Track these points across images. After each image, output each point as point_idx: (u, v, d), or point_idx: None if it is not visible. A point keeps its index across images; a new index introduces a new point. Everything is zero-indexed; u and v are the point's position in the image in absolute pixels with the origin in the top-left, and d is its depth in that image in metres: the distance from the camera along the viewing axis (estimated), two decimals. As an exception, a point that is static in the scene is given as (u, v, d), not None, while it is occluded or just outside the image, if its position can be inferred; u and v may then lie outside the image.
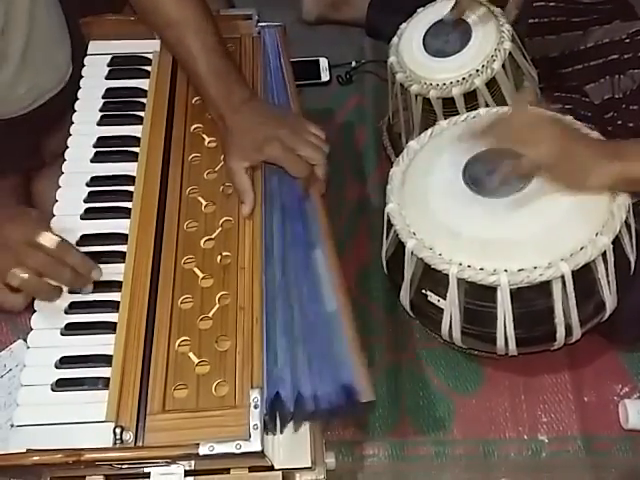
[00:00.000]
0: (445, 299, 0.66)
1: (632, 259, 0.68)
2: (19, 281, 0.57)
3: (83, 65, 0.78)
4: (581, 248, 0.61)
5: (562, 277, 0.62)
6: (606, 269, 0.64)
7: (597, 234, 0.62)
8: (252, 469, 0.58)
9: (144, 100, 0.75)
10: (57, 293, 0.60)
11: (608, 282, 0.65)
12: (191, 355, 0.59)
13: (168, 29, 0.71)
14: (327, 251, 0.65)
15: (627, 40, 0.84)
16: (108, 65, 0.78)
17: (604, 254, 0.63)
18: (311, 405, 0.56)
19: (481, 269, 0.62)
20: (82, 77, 0.77)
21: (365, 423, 0.77)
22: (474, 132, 0.65)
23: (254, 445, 0.53)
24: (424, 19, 0.83)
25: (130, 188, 0.69)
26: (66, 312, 0.62)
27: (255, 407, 0.55)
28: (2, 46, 0.72)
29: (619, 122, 0.82)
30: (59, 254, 0.59)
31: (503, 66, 0.78)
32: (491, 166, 0.66)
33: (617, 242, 0.64)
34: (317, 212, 0.68)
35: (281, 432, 0.61)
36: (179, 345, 0.59)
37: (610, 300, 0.67)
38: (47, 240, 0.58)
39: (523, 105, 0.64)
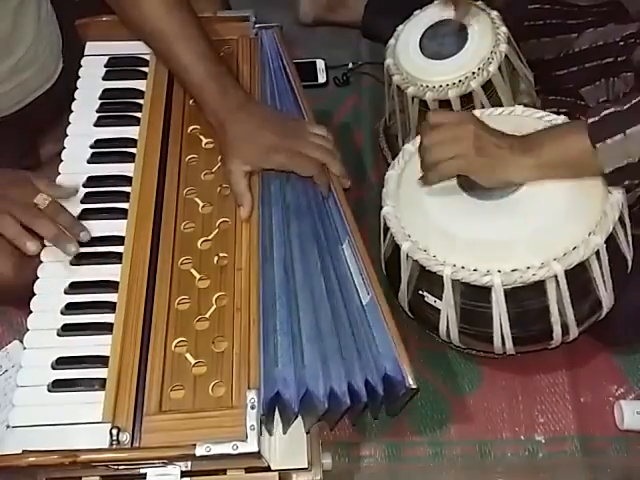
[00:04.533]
0: (441, 300, 0.67)
1: (629, 257, 0.69)
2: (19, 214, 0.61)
3: (77, 65, 0.78)
4: (574, 248, 0.62)
5: (555, 277, 0.62)
6: (601, 268, 0.64)
7: (590, 234, 0.62)
8: (249, 470, 0.58)
9: (141, 101, 0.76)
10: (33, 242, 0.61)
11: (604, 281, 0.66)
12: (188, 356, 0.59)
13: (156, 41, 0.71)
14: (355, 244, 0.65)
15: (621, 43, 0.85)
16: (105, 66, 0.79)
17: (598, 253, 0.63)
18: (323, 403, 0.56)
19: (475, 270, 0.63)
20: (78, 78, 0.78)
21: (363, 423, 0.77)
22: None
23: (251, 446, 0.53)
24: (421, 21, 0.83)
25: (127, 189, 0.69)
26: (62, 313, 0.62)
27: (252, 408, 0.55)
28: (9, 47, 0.73)
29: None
30: (49, 212, 0.62)
31: (499, 68, 0.78)
32: None
33: (612, 241, 0.64)
34: (340, 208, 0.68)
35: (284, 432, 0.61)
36: (176, 346, 0.59)
37: (606, 298, 0.68)
38: (40, 200, 0.62)
39: (425, 127, 0.66)
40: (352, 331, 0.61)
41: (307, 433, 0.62)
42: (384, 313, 0.61)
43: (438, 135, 0.64)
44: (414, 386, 0.58)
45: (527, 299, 0.65)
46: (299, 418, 0.61)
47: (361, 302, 0.63)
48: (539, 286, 0.63)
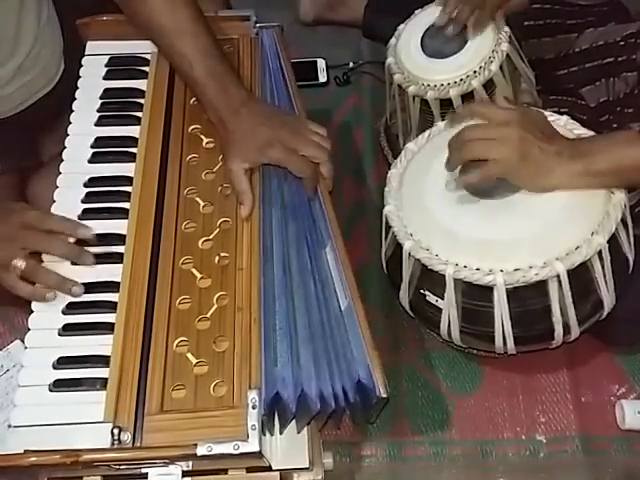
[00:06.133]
0: (443, 299, 0.67)
1: (630, 257, 0.69)
2: (19, 270, 0.60)
3: (78, 65, 0.78)
4: (576, 248, 0.62)
5: (558, 276, 0.62)
6: (603, 268, 0.64)
7: (593, 233, 0.62)
8: (250, 470, 0.58)
9: (142, 101, 0.75)
10: (55, 277, 0.62)
11: (605, 281, 0.66)
12: (189, 356, 0.59)
13: (162, 37, 0.71)
14: (337, 248, 0.65)
15: (621, 43, 0.85)
16: (106, 65, 0.78)
17: (600, 253, 0.63)
18: (316, 404, 0.56)
19: (477, 269, 0.63)
20: (79, 77, 0.77)
21: (365, 423, 0.77)
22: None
23: (252, 445, 0.53)
24: (422, 20, 0.83)
25: (128, 189, 0.69)
26: (64, 312, 0.62)
27: (253, 407, 0.55)
28: (11, 49, 0.73)
29: (614, 125, 0.82)
30: (48, 225, 0.62)
31: (500, 68, 0.78)
32: None
33: (614, 241, 0.64)
34: (325, 210, 0.68)
35: (280, 433, 0.61)
36: (177, 345, 0.59)
37: (608, 298, 0.68)
38: (32, 218, 0.62)
39: (466, 117, 0.65)
40: (332, 335, 0.60)
41: (299, 433, 0.62)
42: (360, 319, 0.61)
43: (482, 132, 0.62)
44: (384, 395, 0.57)
45: (529, 299, 0.65)
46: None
47: (340, 307, 0.62)
48: (541, 286, 0.63)
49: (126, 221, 0.66)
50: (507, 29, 0.79)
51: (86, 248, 0.64)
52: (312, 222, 0.68)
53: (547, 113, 0.71)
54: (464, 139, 0.63)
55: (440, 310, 0.68)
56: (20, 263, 0.60)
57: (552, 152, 0.61)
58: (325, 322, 0.61)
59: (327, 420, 0.63)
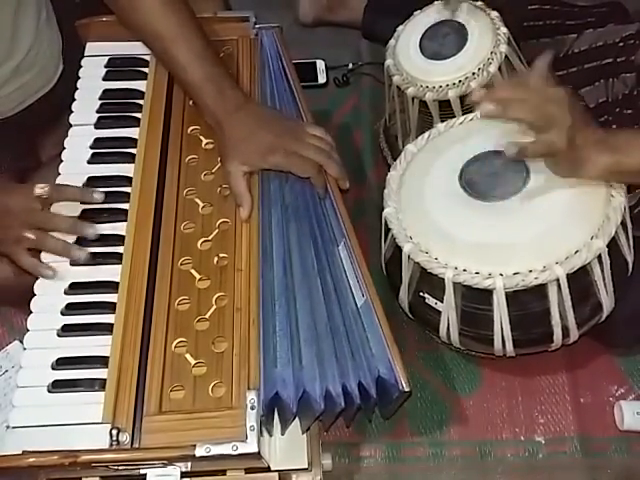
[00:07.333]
0: (442, 302, 0.67)
1: (630, 260, 0.69)
2: (30, 242, 0.63)
3: (77, 65, 0.78)
4: (576, 251, 0.61)
5: (557, 280, 0.62)
6: (602, 271, 0.64)
7: (592, 237, 0.62)
8: (248, 470, 0.58)
9: (141, 102, 0.76)
10: (63, 244, 0.63)
11: (605, 284, 0.66)
12: (188, 356, 0.59)
13: (155, 42, 0.70)
14: (351, 246, 0.65)
15: (621, 44, 0.85)
16: (105, 66, 0.78)
17: (600, 257, 0.63)
18: (319, 404, 0.56)
19: (477, 273, 0.62)
20: (78, 78, 0.77)
21: (363, 424, 0.77)
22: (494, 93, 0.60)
23: (250, 446, 0.53)
24: (421, 22, 0.83)
25: (127, 189, 0.69)
26: (63, 313, 0.62)
27: (252, 408, 0.55)
28: (9, 50, 0.73)
29: (613, 126, 0.82)
30: (56, 196, 0.64)
31: (499, 69, 0.78)
32: (487, 169, 0.66)
33: (614, 244, 0.64)
34: (337, 208, 0.68)
35: (282, 433, 0.61)
36: (176, 346, 0.59)
37: (607, 301, 0.68)
38: (39, 191, 0.63)
39: (539, 76, 0.60)
40: (346, 333, 0.61)
41: (303, 434, 0.62)
42: (378, 315, 0.61)
43: (536, 103, 0.58)
44: (407, 389, 0.57)
45: (528, 302, 0.64)
46: (297, 419, 0.61)
47: (356, 304, 0.63)
48: (541, 289, 0.63)
49: (125, 222, 0.66)
50: (506, 30, 0.79)
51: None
52: (323, 221, 0.68)
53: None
54: (532, 100, 0.58)
55: (439, 313, 0.68)
56: (30, 235, 0.62)
57: (591, 141, 0.60)
58: (341, 319, 0.61)
59: (336, 418, 0.63)
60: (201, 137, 0.73)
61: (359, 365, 0.59)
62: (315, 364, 0.58)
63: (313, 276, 0.64)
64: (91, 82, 0.77)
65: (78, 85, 0.77)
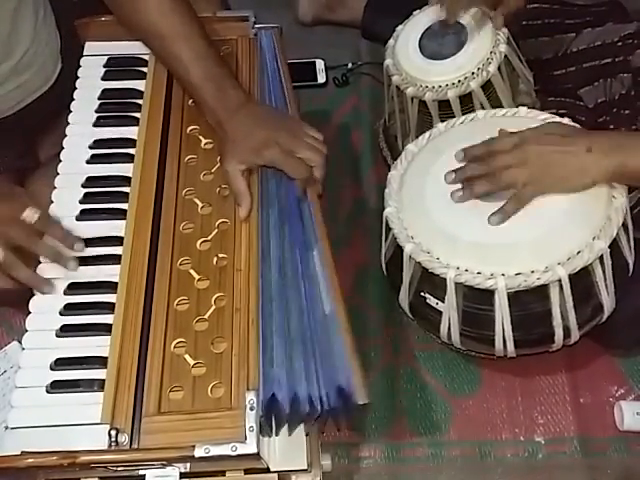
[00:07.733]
0: (444, 302, 0.67)
1: (630, 261, 0.69)
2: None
3: (76, 65, 0.78)
4: (578, 252, 0.61)
5: (559, 281, 0.62)
6: (604, 272, 0.64)
7: (594, 238, 0.62)
8: (248, 471, 0.57)
9: (140, 101, 0.75)
10: (30, 274, 0.61)
11: (606, 285, 0.66)
12: (187, 357, 0.59)
13: (156, 41, 0.70)
14: (323, 252, 0.64)
15: (619, 43, 0.85)
16: (104, 66, 0.78)
17: (601, 258, 0.63)
18: (305, 407, 0.56)
19: (478, 273, 0.62)
20: (77, 78, 0.77)
21: (362, 425, 0.77)
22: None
23: (250, 447, 0.53)
24: (420, 21, 0.83)
25: (126, 189, 0.69)
26: (61, 314, 0.61)
27: (251, 409, 0.55)
28: (8, 49, 0.73)
29: (611, 127, 0.82)
30: (39, 227, 0.61)
31: (499, 69, 0.78)
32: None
33: (615, 245, 0.64)
34: (314, 213, 0.68)
35: (276, 434, 0.61)
36: (175, 347, 0.59)
37: (608, 302, 0.68)
38: (28, 215, 0.61)
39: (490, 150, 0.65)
40: (316, 339, 0.60)
41: (290, 435, 0.61)
42: (341, 323, 0.60)
43: (502, 161, 0.63)
44: (362, 402, 0.56)
45: (530, 303, 0.64)
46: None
47: (324, 311, 0.62)
48: (542, 290, 0.63)
49: (124, 222, 0.66)
50: (505, 30, 0.79)
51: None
52: (302, 225, 0.67)
53: (548, 115, 0.72)
54: (491, 171, 0.64)
55: (440, 313, 0.68)
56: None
57: (579, 151, 0.61)
58: (310, 326, 0.60)
59: (314, 424, 0.62)
60: (200, 137, 0.73)
61: (325, 374, 0.57)
62: (302, 367, 0.58)
63: (299, 279, 0.63)
64: (90, 82, 0.77)
65: (77, 85, 0.77)
